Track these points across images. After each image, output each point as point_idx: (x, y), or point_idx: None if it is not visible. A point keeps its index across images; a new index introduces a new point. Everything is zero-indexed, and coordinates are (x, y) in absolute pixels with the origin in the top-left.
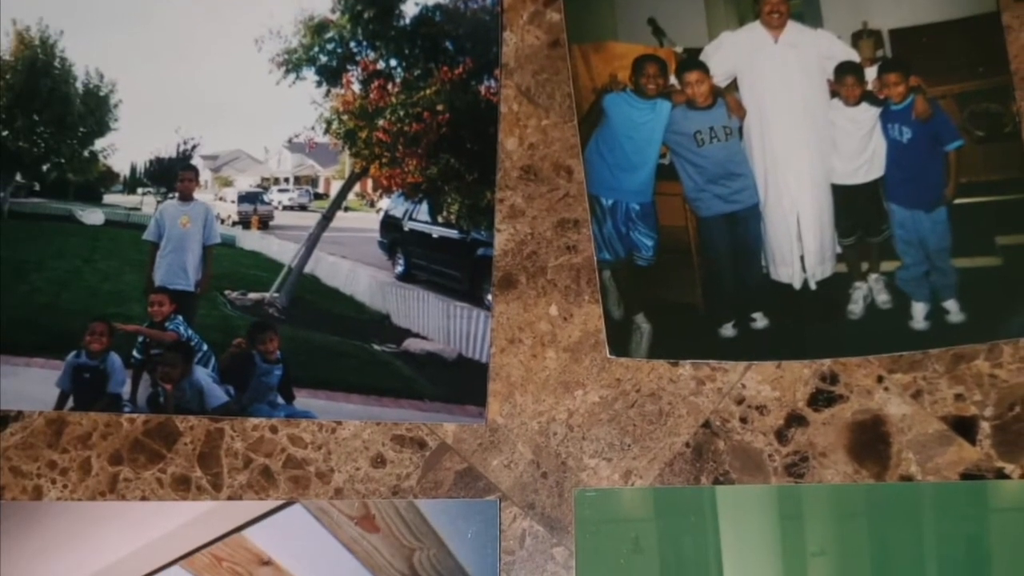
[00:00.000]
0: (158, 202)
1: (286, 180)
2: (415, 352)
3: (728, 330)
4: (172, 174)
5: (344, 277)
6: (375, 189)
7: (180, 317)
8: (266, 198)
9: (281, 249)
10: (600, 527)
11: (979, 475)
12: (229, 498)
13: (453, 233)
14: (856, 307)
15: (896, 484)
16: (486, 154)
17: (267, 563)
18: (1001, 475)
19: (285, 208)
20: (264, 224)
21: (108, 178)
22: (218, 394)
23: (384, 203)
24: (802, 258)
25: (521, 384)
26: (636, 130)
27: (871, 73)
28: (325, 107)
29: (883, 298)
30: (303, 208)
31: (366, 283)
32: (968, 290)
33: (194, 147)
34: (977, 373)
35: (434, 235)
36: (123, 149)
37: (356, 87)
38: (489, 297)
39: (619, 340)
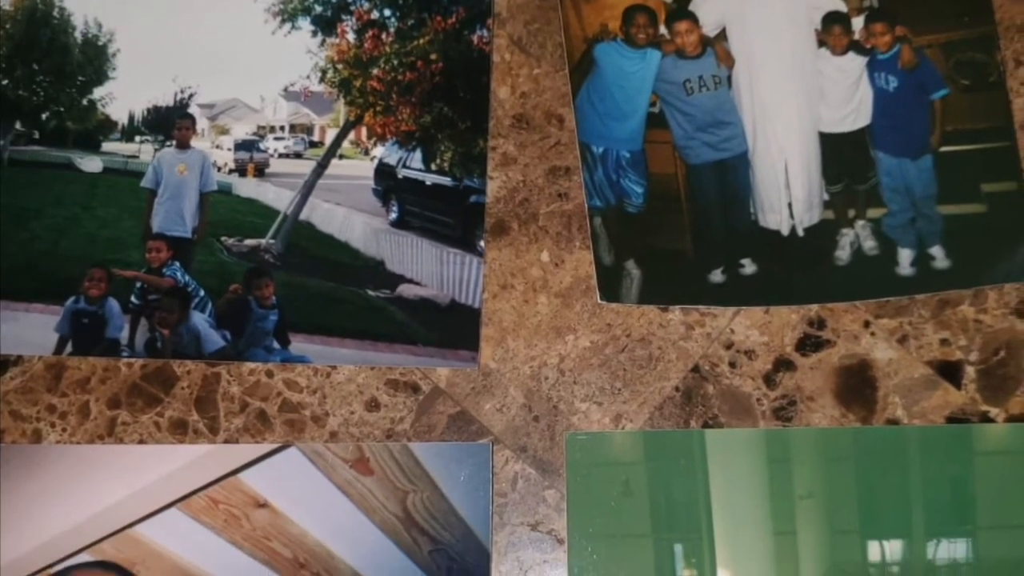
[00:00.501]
0: (156, 150)
1: (282, 128)
2: (409, 298)
3: (717, 276)
4: (169, 122)
5: (339, 224)
6: (369, 137)
7: (177, 263)
8: (262, 146)
9: (277, 196)
10: (591, 470)
11: (964, 419)
12: (226, 441)
13: (446, 180)
14: (843, 253)
15: (882, 427)
16: (479, 103)
17: (263, 505)
18: (986, 419)
19: (281, 156)
20: (260, 172)
21: (106, 126)
22: (215, 339)
23: (378, 151)
24: (790, 205)
25: (513, 329)
26: (626, 79)
27: (858, 23)
28: (320, 56)
29: (870, 244)
30: (298, 156)
31: (361, 230)
32: (953, 237)
33: (191, 96)
34: (962, 318)
35: (427, 182)
36: (121, 98)
37: (351, 36)
38: (482, 243)
39: (610, 286)
